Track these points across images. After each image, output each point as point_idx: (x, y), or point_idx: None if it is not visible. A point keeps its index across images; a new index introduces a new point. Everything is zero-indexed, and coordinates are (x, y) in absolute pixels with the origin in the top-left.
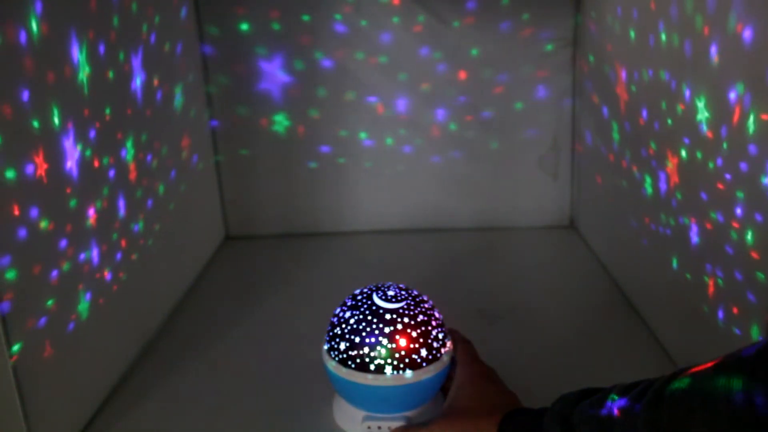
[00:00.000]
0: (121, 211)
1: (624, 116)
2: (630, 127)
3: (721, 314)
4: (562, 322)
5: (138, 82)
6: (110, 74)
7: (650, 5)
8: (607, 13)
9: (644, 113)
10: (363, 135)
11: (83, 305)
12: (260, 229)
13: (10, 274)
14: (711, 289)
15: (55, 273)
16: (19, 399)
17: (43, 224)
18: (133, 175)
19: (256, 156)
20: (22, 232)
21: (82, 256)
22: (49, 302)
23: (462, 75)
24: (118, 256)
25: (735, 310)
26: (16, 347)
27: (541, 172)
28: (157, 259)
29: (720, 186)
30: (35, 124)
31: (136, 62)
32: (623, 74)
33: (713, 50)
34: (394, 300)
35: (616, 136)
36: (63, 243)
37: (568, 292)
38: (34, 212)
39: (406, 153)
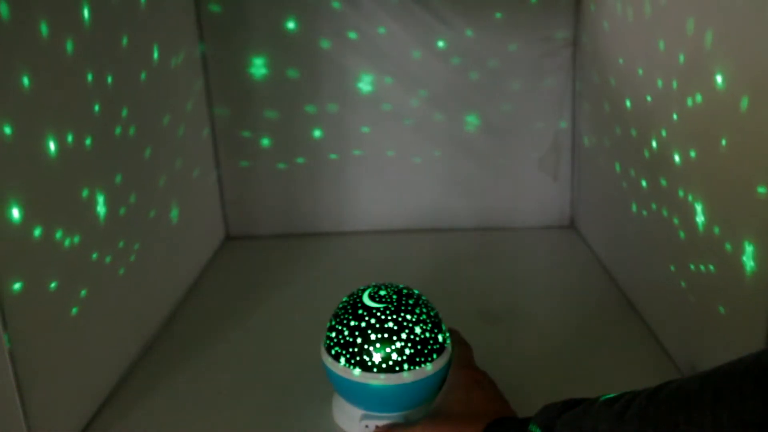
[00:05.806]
0: (121, 211)
1: (624, 116)
2: (631, 127)
3: (721, 314)
4: (562, 322)
5: (137, 81)
6: (108, 78)
7: (651, 5)
8: (607, 12)
9: (645, 113)
10: (363, 135)
11: (83, 305)
12: (260, 229)
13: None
14: (711, 289)
15: (55, 273)
16: (19, 399)
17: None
18: (132, 176)
19: (256, 156)
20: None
21: (82, 256)
22: (49, 303)
23: (461, 75)
24: (119, 256)
25: (735, 311)
26: (16, 347)
27: (541, 172)
28: (157, 259)
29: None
30: None
31: (136, 62)
32: (624, 74)
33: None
34: (392, 300)
35: (616, 136)
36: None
37: (567, 292)
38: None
39: (406, 153)
